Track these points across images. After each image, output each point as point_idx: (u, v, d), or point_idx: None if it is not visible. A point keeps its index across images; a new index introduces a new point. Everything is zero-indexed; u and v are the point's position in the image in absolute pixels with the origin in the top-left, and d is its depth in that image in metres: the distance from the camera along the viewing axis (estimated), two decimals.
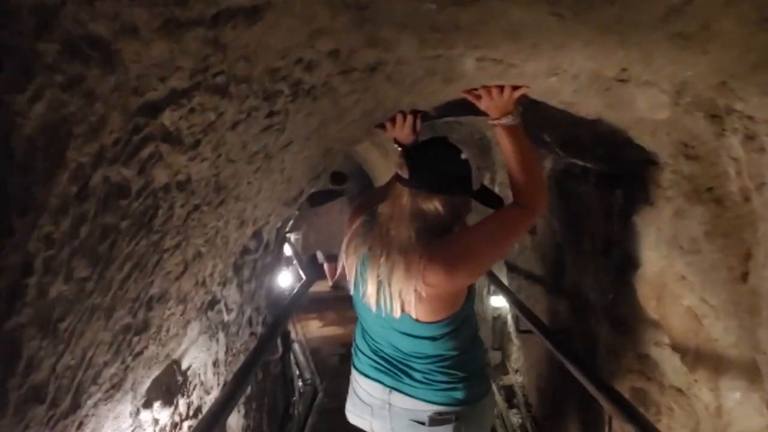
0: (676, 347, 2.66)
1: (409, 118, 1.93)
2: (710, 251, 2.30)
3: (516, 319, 4.45)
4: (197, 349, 2.59)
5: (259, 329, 3.82)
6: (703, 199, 2.26)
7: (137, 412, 2.03)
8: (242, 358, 3.27)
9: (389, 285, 1.76)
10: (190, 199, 1.63)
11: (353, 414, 2.16)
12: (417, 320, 1.81)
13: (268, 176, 2.01)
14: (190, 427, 2.48)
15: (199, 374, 2.68)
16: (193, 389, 2.64)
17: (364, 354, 2.09)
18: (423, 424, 1.95)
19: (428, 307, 1.78)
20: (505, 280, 5.35)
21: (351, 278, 2.01)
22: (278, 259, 4.15)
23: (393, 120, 1.98)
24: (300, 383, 6.72)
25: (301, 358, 7.40)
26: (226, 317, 2.82)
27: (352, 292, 2.04)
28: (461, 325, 1.92)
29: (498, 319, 5.60)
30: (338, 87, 1.69)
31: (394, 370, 1.98)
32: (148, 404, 2.12)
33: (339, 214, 7.57)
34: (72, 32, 0.92)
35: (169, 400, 2.29)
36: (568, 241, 3.83)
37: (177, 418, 2.39)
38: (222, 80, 1.31)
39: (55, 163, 1.03)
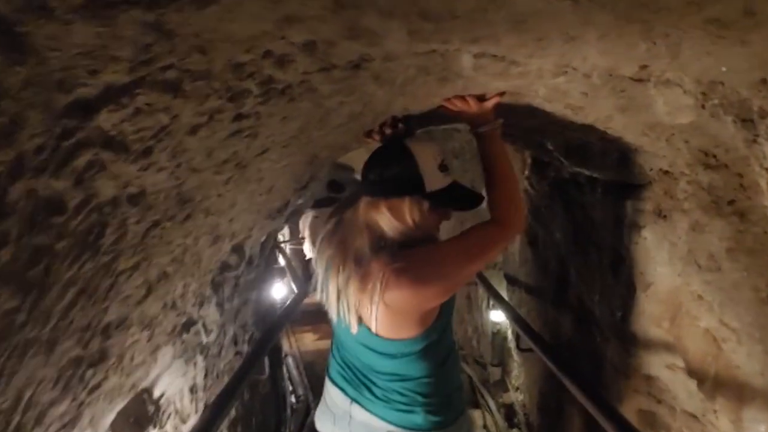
0: (692, 372, 2.44)
1: (392, 127, 1.78)
2: (732, 269, 2.09)
3: (517, 336, 4.23)
4: (171, 375, 2.37)
5: (246, 348, 3.61)
6: (724, 212, 2.05)
7: None
8: (227, 379, 3.05)
9: (346, 297, 1.68)
10: (146, 215, 1.42)
11: (319, 420, 2.05)
12: (377, 335, 1.70)
13: (242, 187, 1.80)
14: None
15: (174, 402, 2.46)
16: (168, 418, 2.42)
17: (335, 360, 2.00)
18: None
19: (390, 323, 1.66)
20: (504, 294, 5.14)
21: (318, 284, 1.86)
22: (266, 273, 3.94)
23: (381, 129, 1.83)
24: (293, 399, 6.50)
25: (294, 373, 7.17)
26: (204, 339, 2.61)
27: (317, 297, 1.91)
28: (429, 347, 1.76)
29: (498, 334, 5.38)
30: (318, 87, 1.48)
31: (357, 381, 1.88)
32: None
33: None
34: None
35: None
36: (573, 254, 3.62)
37: None
38: (173, 76, 1.10)
39: None
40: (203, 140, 1.36)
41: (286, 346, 7.99)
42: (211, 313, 2.58)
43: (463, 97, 1.83)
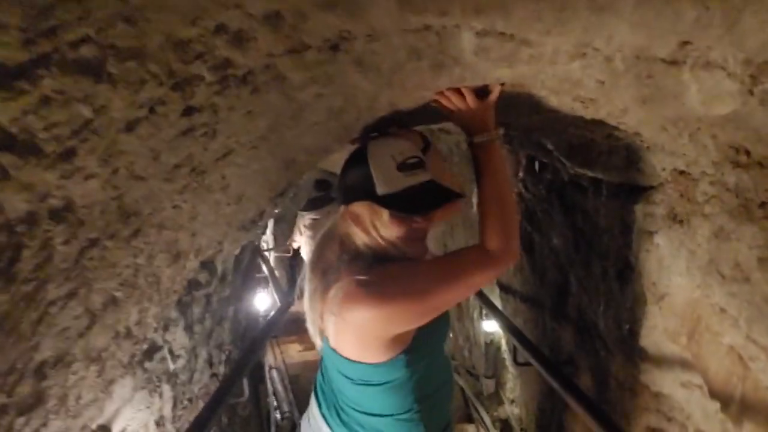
0: (714, 394, 2.20)
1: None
2: (764, 281, 1.85)
3: (513, 349, 3.98)
4: (133, 408, 2.10)
5: (223, 369, 3.33)
6: (755, 216, 1.81)
7: None
8: (202, 404, 2.78)
9: (311, 307, 1.62)
10: (78, 233, 1.15)
11: (300, 426, 1.99)
12: (335, 351, 1.60)
13: (203, 197, 1.53)
14: None
15: None
16: None
17: (320, 371, 1.89)
18: None
19: (348, 341, 1.56)
20: (497, 303, 4.90)
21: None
22: (244, 288, 3.66)
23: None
24: (278, 415, 6.20)
25: (279, 387, 6.87)
26: (171, 366, 2.33)
27: None
28: (396, 385, 1.57)
29: (491, 344, 5.12)
30: (288, 75, 1.22)
31: (330, 400, 1.76)
32: None
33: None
34: None
35: None
36: (573, 262, 3.38)
37: None
38: (91, 53, 0.84)
39: None
40: (145, 140, 1.09)
41: (270, 359, 7.69)
42: (178, 337, 2.31)
43: (458, 91, 1.60)
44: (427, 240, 1.65)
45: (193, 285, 2.25)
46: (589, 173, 2.75)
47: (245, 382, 3.56)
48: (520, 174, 3.98)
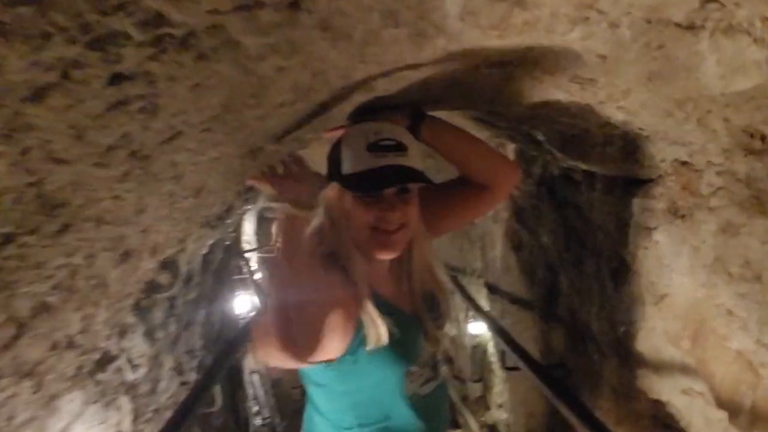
0: (722, 402, 2.03)
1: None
2: None
3: (501, 353, 3.81)
4: (85, 424, 1.89)
5: (194, 376, 3.12)
6: None
7: None
8: (169, 416, 2.57)
9: None
10: None
11: None
12: None
13: (151, 187, 1.33)
14: None
15: None
16: None
17: None
18: None
19: None
20: (484, 304, 4.73)
21: None
22: (217, 289, 3.45)
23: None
24: (259, 421, 6.00)
25: (260, 392, 6.65)
26: (130, 376, 2.12)
27: None
28: (328, 389, 1.48)
29: (477, 347, 4.95)
30: (241, 39, 1.03)
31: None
32: None
33: None
34: None
35: None
36: (564, 261, 3.21)
37: None
38: None
39: None
40: (61, 113, 0.90)
41: (251, 362, 7.47)
42: (137, 344, 2.11)
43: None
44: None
45: (152, 287, 2.05)
46: (583, 166, 2.57)
47: (218, 389, 3.36)
48: None
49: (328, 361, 1.31)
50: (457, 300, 4.91)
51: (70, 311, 1.41)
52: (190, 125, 1.22)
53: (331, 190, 1.42)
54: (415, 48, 1.29)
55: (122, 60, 0.90)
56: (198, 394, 2.79)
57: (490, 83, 1.83)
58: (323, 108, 1.58)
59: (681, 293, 2.15)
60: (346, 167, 1.38)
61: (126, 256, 1.53)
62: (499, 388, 4.77)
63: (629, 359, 2.62)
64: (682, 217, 2.07)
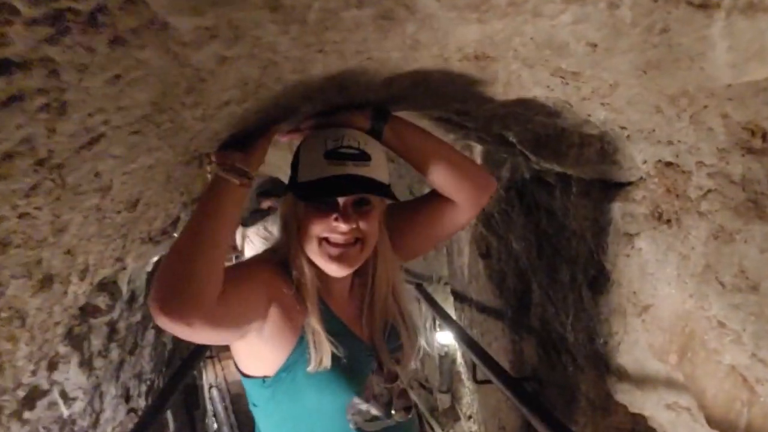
0: (713, 421, 1.90)
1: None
2: None
3: (472, 365, 3.65)
4: None
5: (143, 402, 2.88)
6: (767, 213, 1.51)
7: None
8: None
9: None
10: None
11: None
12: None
13: (70, 201, 1.12)
14: None
15: None
16: None
17: None
18: None
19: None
20: (451, 312, 4.57)
21: None
22: None
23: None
24: None
25: (219, 408, 6.39)
26: (65, 411, 1.89)
27: None
28: (277, 409, 1.37)
29: (446, 357, 4.78)
30: (170, 20, 0.83)
31: None
32: None
33: None
34: None
35: None
36: (536, 268, 3.06)
37: None
38: None
39: None
40: None
41: (211, 377, 7.19)
42: (72, 376, 1.87)
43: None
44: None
45: (87, 312, 1.83)
46: (558, 168, 2.42)
47: (169, 414, 3.12)
48: None
49: (265, 378, 1.29)
50: (424, 308, 4.75)
51: None
52: (114, 127, 1.01)
53: (288, 198, 1.34)
54: (382, 35, 1.11)
55: (10, 43, 0.70)
56: (148, 420, 2.56)
57: (462, 79, 1.66)
58: (285, 111, 1.40)
59: (667, 304, 2.01)
60: (302, 175, 1.28)
61: (47, 281, 1.30)
62: (469, 399, 4.61)
63: (608, 372, 2.48)
64: (668, 222, 1.93)
